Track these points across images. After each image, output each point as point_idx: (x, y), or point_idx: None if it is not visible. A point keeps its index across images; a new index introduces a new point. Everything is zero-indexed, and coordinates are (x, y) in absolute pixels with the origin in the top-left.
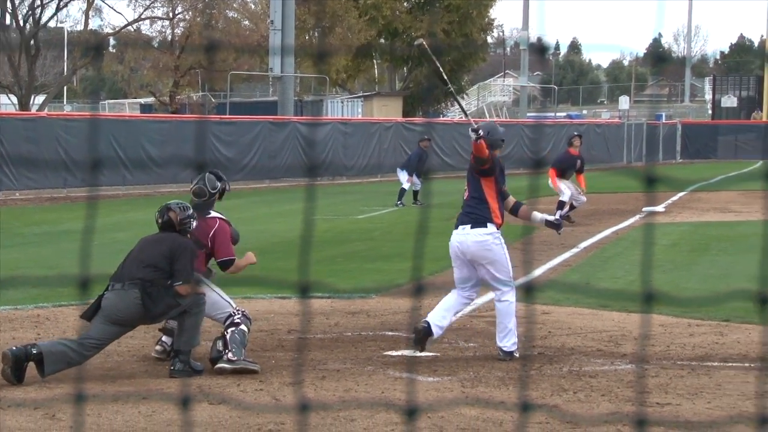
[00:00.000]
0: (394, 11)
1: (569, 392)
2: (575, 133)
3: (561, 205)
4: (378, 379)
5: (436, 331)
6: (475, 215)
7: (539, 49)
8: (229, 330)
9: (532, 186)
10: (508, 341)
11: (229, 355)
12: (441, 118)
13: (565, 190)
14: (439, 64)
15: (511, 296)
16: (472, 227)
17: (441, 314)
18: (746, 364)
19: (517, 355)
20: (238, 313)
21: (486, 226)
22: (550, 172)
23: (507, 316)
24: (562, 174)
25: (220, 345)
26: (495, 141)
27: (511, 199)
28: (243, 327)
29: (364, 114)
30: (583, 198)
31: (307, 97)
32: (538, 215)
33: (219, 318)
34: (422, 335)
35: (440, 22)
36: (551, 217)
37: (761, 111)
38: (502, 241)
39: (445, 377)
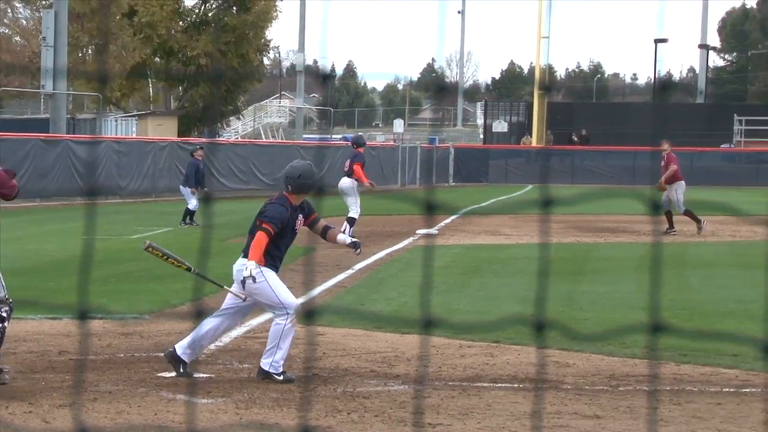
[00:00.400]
0: (170, 30)
1: (343, 413)
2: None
3: (351, 221)
4: (151, 400)
5: (185, 357)
6: (245, 247)
7: (323, 77)
8: None
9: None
10: (265, 359)
11: None
12: (218, 139)
13: (354, 205)
14: (172, 257)
15: (281, 320)
16: (242, 256)
17: (189, 341)
18: (515, 385)
19: (280, 378)
20: (6, 305)
21: (246, 258)
22: (356, 167)
23: (272, 338)
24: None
25: None
26: (305, 186)
27: (321, 224)
28: (6, 324)
29: (138, 133)
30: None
31: (81, 115)
32: (341, 237)
33: None
34: (170, 360)
35: (216, 42)
36: (350, 240)
37: (530, 136)
38: (262, 271)
39: (219, 399)
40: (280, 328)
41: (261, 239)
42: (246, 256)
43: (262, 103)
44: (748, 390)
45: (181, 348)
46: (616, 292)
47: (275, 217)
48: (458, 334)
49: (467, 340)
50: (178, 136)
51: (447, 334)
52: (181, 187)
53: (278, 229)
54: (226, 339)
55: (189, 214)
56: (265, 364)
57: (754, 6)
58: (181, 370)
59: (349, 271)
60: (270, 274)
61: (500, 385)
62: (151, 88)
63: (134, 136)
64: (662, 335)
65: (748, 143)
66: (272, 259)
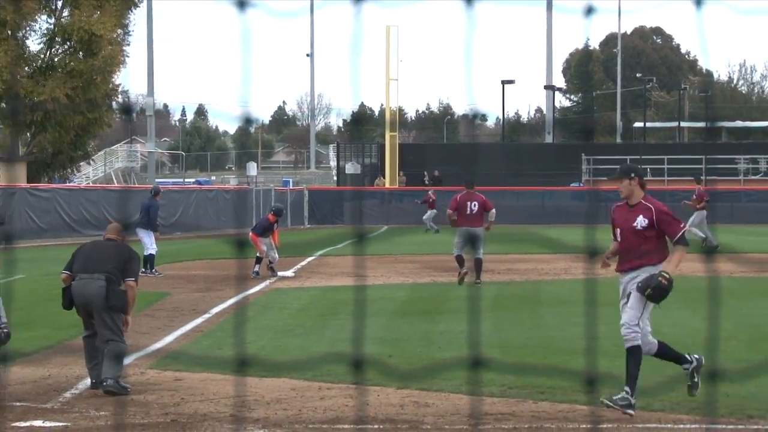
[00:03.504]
0: (15, 75)
1: None
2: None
3: (259, 260)
4: None
5: None
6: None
7: (125, 109)
8: None
9: None
10: None
11: None
12: (68, 184)
13: (262, 245)
14: None
15: None
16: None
17: None
18: (376, 426)
19: None
20: (5, 327)
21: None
22: (251, 236)
23: None
24: (262, 235)
25: None
26: None
27: None
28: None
29: None
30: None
31: None
32: None
33: None
34: None
35: (63, 87)
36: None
37: (383, 178)
38: None
39: None
40: None
41: None
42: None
43: (112, 147)
44: (604, 426)
45: None
46: (473, 331)
47: None
48: (317, 376)
49: (327, 381)
50: (28, 182)
51: (306, 377)
52: (141, 230)
53: None
54: (81, 386)
55: (150, 260)
56: None
57: (597, 47)
58: None
59: (206, 315)
60: None
61: (360, 426)
62: None
63: None
64: (488, 370)
65: (596, 182)
66: None
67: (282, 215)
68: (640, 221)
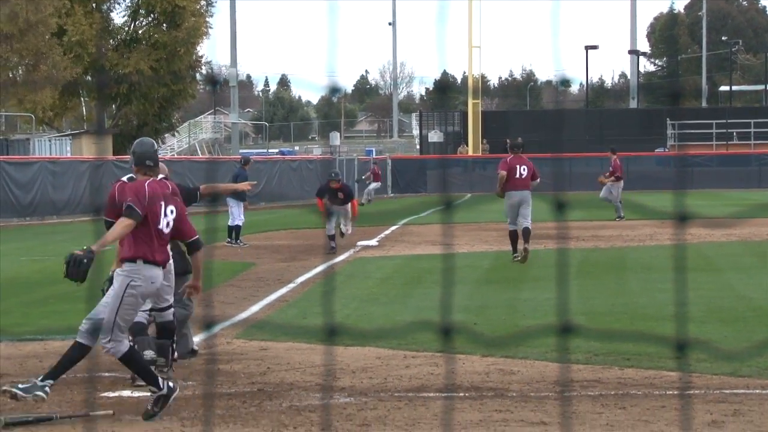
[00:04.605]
0: (100, 48)
1: (289, 428)
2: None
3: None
4: (94, 421)
5: None
6: None
7: (212, 82)
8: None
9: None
10: None
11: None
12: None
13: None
14: None
15: None
16: None
17: None
18: (461, 394)
19: None
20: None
21: None
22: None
23: None
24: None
25: (153, 354)
26: None
27: None
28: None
29: (73, 152)
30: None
31: (13, 136)
32: None
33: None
34: None
35: (147, 59)
36: None
37: (467, 145)
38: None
39: (164, 417)
40: None
41: None
42: None
43: (196, 119)
44: (691, 392)
45: None
46: (560, 297)
47: None
48: (402, 345)
49: (412, 350)
50: (114, 155)
51: (391, 345)
52: (230, 199)
53: None
54: None
55: (236, 231)
56: None
57: (682, 11)
58: None
59: (291, 285)
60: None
61: (446, 394)
62: (84, 107)
63: (69, 155)
64: (574, 337)
65: (682, 147)
66: None
67: (333, 178)
68: None
